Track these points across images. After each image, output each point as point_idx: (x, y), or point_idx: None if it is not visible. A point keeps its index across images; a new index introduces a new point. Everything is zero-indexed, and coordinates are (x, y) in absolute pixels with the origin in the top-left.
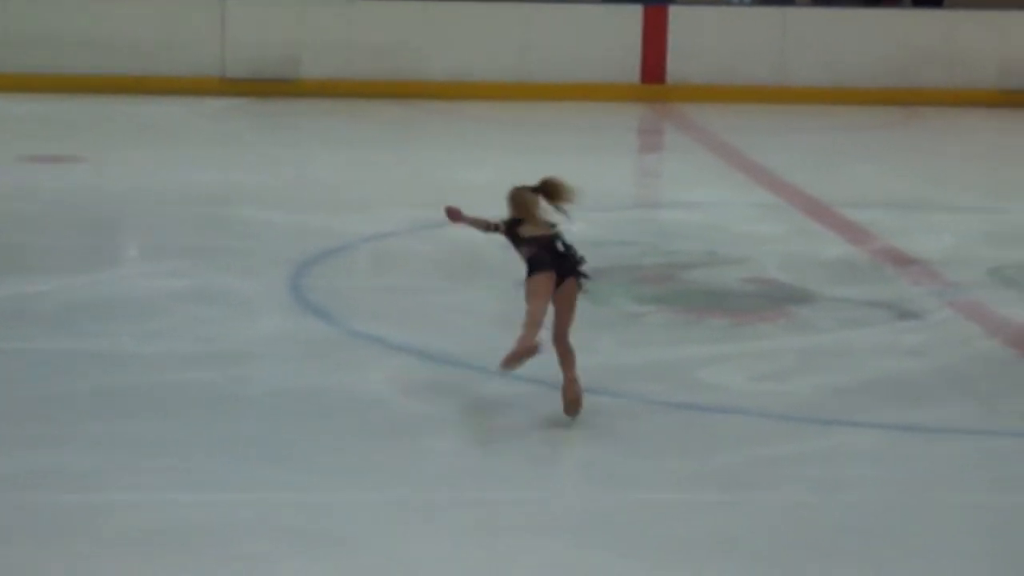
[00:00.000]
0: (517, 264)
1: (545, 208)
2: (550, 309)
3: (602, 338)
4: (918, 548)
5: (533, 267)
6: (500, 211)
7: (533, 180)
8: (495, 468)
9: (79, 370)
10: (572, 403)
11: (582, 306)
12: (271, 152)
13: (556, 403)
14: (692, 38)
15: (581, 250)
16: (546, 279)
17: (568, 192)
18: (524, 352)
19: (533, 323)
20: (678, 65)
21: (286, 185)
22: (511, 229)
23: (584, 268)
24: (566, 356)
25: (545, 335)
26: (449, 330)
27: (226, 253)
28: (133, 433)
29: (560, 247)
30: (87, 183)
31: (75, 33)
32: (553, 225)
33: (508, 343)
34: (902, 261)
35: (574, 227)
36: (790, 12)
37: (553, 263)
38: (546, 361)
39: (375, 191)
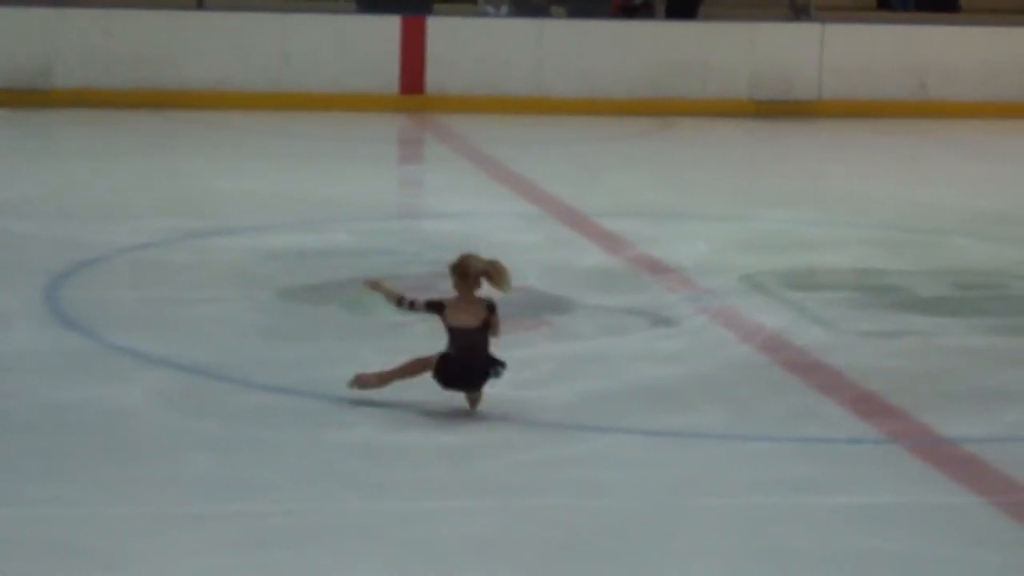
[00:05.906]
0: (279, 275)
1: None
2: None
3: (365, 348)
4: (677, 550)
5: (445, 365)
6: (260, 221)
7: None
8: (258, 480)
9: None
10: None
11: (343, 317)
12: (25, 163)
13: (317, 415)
14: (450, 49)
15: (344, 261)
16: (427, 365)
17: (508, 283)
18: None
19: (396, 373)
20: (437, 76)
21: (41, 196)
22: (437, 311)
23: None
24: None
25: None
26: (209, 342)
27: None
28: None
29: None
30: None
31: None
32: (489, 304)
33: (268, 354)
34: (657, 269)
35: (338, 237)
36: (546, 24)
37: (460, 379)
38: (311, 373)
39: (132, 202)
